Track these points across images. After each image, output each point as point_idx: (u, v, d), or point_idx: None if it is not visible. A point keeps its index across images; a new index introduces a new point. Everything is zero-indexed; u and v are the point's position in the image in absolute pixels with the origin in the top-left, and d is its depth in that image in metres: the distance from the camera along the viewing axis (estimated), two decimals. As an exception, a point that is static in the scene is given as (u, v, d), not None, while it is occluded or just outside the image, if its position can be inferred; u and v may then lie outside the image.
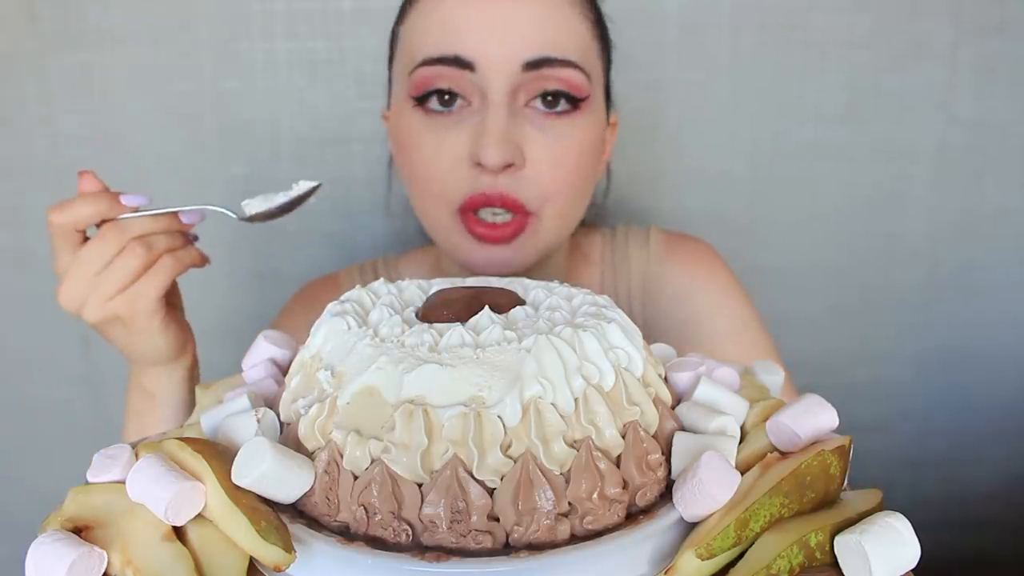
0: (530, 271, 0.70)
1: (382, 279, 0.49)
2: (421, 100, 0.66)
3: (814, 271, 1.06)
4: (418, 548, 0.37)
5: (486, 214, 0.65)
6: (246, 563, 0.36)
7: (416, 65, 0.65)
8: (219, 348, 0.74)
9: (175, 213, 0.59)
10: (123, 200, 0.58)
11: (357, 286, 0.48)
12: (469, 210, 0.65)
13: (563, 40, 0.64)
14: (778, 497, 0.37)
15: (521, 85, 0.64)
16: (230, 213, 0.59)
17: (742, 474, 0.38)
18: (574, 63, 0.64)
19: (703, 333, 0.76)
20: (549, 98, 0.64)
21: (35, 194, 0.97)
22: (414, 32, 0.67)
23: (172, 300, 0.63)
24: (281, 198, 0.60)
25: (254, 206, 0.60)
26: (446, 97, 0.65)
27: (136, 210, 0.58)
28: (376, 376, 0.39)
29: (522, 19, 0.63)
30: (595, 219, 0.85)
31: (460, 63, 0.63)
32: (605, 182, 0.80)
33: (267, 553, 0.35)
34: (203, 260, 0.62)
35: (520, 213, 0.65)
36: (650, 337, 0.52)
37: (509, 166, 0.64)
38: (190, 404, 0.66)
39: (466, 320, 0.42)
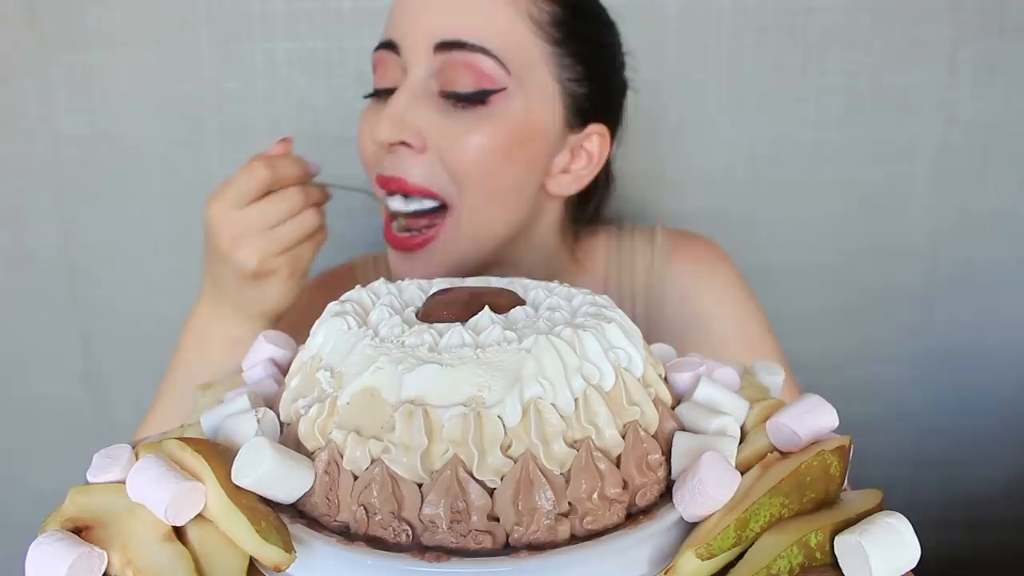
0: (533, 271, 0.69)
1: (382, 279, 0.49)
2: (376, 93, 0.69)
3: (814, 271, 1.06)
4: (418, 548, 0.37)
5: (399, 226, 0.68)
6: (246, 563, 0.36)
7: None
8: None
9: (323, 187, 0.64)
10: (308, 168, 0.63)
11: (358, 286, 0.48)
12: (389, 221, 0.69)
13: (481, 26, 0.64)
14: (778, 497, 0.37)
15: (439, 70, 0.65)
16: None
17: (742, 474, 0.38)
18: (488, 51, 0.64)
19: (708, 332, 0.76)
20: (456, 88, 0.65)
21: (35, 194, 0.97)
22: None
23: None
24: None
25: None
26: (386, 90, 0.67)
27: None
28: (376, 376, 0.39)
29: (441, 2, 0.65)
30: (596, 219, 0.84)
31: (390, 46, 0.66)
32: (606, 189, 0.80)
33: (267, 553, 0.35)
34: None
35: (425, 196, 0.66)
36: (654, 336, 0.52)
37: (402, 144, 0.65)
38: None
39: (466, 320, 0.42)
